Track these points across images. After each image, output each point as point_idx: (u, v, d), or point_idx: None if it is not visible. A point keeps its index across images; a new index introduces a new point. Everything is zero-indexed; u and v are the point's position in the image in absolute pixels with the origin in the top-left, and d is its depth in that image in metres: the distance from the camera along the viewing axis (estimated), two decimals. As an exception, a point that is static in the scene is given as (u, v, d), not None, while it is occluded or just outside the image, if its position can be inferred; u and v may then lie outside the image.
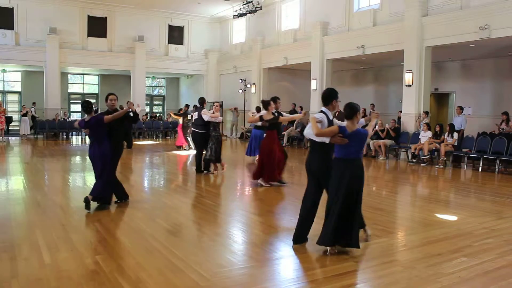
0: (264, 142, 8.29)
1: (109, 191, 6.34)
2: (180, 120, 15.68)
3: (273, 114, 8.19)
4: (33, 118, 20.78)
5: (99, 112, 7.40)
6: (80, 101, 25.58)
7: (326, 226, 4.41)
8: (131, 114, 6.58)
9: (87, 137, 20.88)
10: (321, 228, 4.48)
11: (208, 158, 9.62)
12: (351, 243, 4.32)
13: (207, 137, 9.49)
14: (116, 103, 6.52)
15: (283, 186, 8.33)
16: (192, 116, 10.13)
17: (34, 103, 21.17)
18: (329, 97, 4.85)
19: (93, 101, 24.97)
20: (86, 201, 6.03)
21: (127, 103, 16.97)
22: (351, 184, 4.31)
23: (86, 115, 6.19)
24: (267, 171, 8.13)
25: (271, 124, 8.07)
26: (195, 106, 10.98)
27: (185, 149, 15.39)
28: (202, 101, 9.96)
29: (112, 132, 6.29)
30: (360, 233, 4.55)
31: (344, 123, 4.54)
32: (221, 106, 12.99)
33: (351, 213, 4.33)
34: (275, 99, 8.42)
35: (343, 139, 4.34)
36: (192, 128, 10.02)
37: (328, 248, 4.39)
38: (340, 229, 4.30)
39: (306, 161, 4.79)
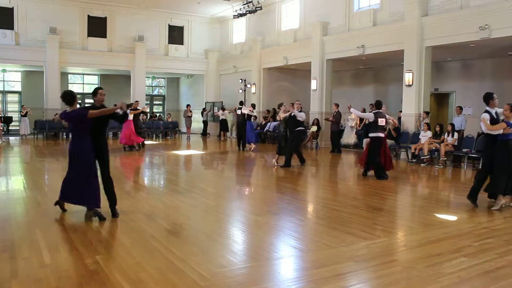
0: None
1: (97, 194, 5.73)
2: (131, 116, 14.25)
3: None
4: None
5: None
6: (80, 101, 25.62)
7: (497, 183, 6.56)
8: (120, 113, 6.04)
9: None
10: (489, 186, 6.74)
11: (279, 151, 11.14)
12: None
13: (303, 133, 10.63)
14: (105, 99, 6.00)
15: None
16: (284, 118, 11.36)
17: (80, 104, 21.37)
18: (486, 98, 6.80)
19: (92, 101, 25.06)
20: (97, 215, 5.59)
21: (135, 102, 17.14)
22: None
23: (68, 107, 5.67)
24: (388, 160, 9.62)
25: None
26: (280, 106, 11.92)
27: (137, 149, 14.75)
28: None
29: (95, 129, 5.74)
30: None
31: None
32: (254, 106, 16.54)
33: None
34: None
35: (509, 128, 6.49)
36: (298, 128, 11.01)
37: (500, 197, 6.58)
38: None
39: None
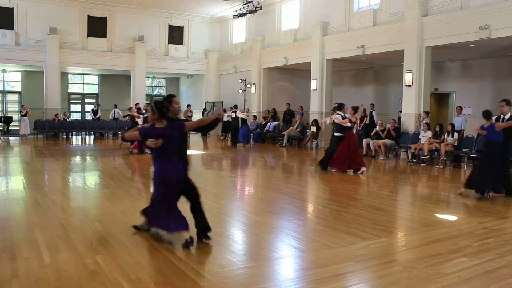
0: (350, 139, 10.16)
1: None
2: (140, 121, 13.20)
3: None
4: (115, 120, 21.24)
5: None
6: (80, 101, 25.60)
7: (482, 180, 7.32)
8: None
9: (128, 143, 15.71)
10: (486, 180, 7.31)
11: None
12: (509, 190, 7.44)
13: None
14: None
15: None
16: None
17: (98, 104, 22.40)
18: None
19: (92, 101, 25.05)
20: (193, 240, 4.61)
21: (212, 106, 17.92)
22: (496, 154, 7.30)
23: (146, 122, 4.74)
24: (356, 159, 10.18)
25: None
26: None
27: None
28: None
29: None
30: None
31: None
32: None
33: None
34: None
35: (482, 131, 7.43)
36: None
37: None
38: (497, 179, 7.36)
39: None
